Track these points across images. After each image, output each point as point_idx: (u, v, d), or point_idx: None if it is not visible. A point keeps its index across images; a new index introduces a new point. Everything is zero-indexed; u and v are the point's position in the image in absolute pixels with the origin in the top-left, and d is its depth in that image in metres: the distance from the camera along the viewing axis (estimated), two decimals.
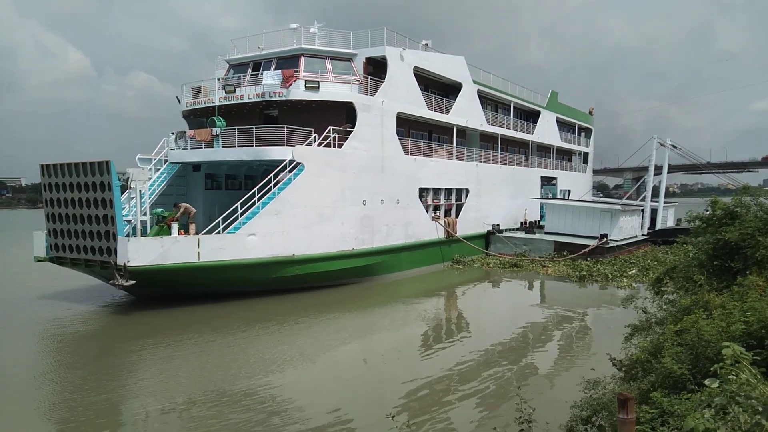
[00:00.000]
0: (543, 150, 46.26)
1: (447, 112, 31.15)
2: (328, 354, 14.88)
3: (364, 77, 25.34)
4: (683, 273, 9.30)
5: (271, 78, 23.92)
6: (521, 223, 38.58)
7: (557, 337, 16.40)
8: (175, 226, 20.15)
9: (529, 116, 43.72)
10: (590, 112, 58.07)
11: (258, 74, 25.28)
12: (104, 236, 19.09)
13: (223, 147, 23.30)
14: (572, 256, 29.82)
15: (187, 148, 24.65)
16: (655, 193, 40.41)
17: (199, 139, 23.88)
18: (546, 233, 34.39)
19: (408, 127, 28.72)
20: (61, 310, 19.35)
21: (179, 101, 27.32)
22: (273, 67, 25.12)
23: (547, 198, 41.41)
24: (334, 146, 23.05)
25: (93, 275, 21.22)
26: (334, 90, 24.25)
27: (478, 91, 34.46)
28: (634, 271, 26.02)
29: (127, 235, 19.06)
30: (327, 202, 22.61)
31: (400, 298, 22.66)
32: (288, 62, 24.92)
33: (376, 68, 26.59)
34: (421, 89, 28.63)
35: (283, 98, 23.46)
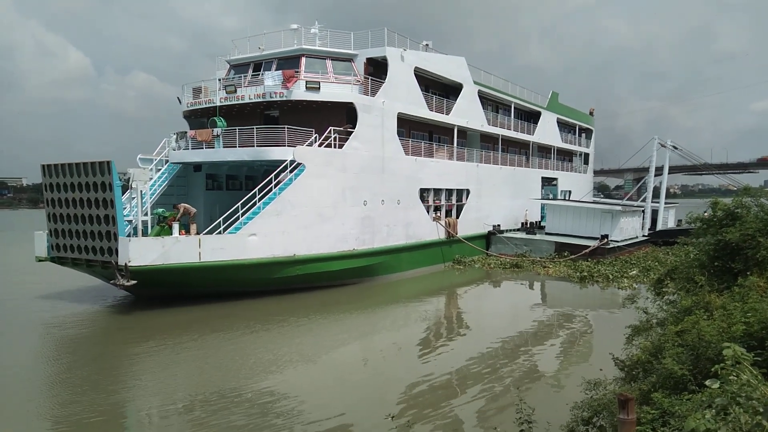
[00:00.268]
0: (543, 151, 46.26)
1: (447, 113, 31.15)
2: (329, 354, 14.89)
3: (365, 78, 25.35)
4: (684, 274, 9.29)
5: (271, 78, 23.93)
6: (522, 223, 38.57)
7: (558, 337, 16.40)
8: (176, 226, 20.18)
9: (530, 117, 43.72)
10: (591, 113, 58.07)
11: (259, 75, 25.29)
12: (105, 236, 19.10)
13: (224, 147, 23.32)
14: (573, 256, 29.81)
15: (188, 149, 24.68)
16: (656, 194, 40.40)
17: (200, 140, 23.90)
18: (547, 234, 34.38)
19: (408, 127, 28.73)
20: (61, 310, 19.36)
21: (180, 101, 27.33)
22: (274, 67, 25.13)
23: (548, 199, 41.41)
24: (334, 147, 23.06)
25: (94, 275, 21.24)
26: (334, 90, 24.26)
27: (479, 92, 34.46)
28: (634, 272, 26.01)
29: (128, 235, 19.08)
30: (328, 203, 22.62)
31: (401, 299, 22.66)
32: (289, 63, 24.94)
33: (377, 69, 26.60)
34: (421, 90, 28.64)
35: (284, 99, 23.47)
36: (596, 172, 71.43)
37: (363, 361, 14.51)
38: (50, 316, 18.49)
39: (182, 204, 21.46)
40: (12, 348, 15.29)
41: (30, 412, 10.40)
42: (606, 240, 31.09)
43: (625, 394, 4.73)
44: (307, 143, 22.55)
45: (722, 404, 3.92)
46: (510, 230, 36.08)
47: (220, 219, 20.67)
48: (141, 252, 18.30)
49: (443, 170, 30.42)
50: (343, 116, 24.23)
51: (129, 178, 20.11)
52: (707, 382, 4.32)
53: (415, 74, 27.96)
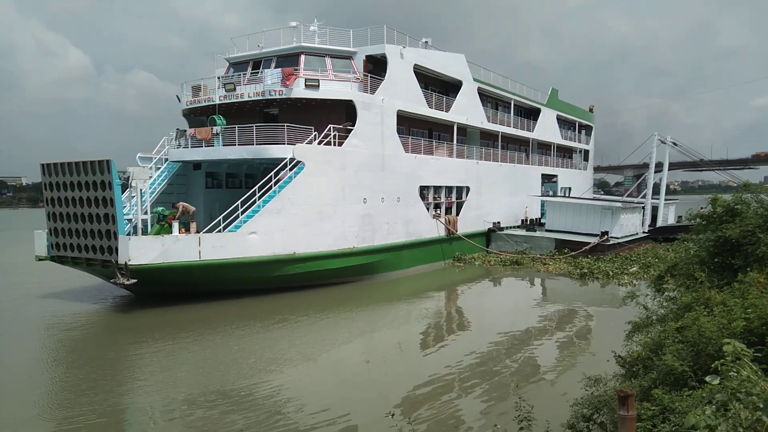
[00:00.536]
0: (543, 147, 46.25)
1: (447, 110, 31.13)
2: (330, 353, 14.89)
3: (364, 75, 25.33)
4: (684, 270, 9.29)
5: (271, 76, 23.91)
6: (522, 220, 38.58)
7: (558, 334, 16.40)
8: (176, 224, 20.18)
9: (530, 114, 43.69)
10: (591, 110, 58.04)
11: (258, 72, 25.27)
12: (105, 235, 19.10)
13: (224, 145, 23.32)
14: (573, 253, 29.81)
15: (187, 147, 24.68)
16: (656, 191, 40.38)
17: (199, 138, 23.89)
18: (547, 231, 34.39)
19: (408, 125, 28.71)
20: (61, 309, 19.37)
21: (179, 100, 27.31)
22: (273, 65, 25.10)
23: (548, 195, 41.41)
24: (334, 144, 23.05)
25: (94, 274, 21.24)
26: (334, 88, 24.22)
27: (479, 89, 34.43)
28: (635, 269, 26.01)
29: (128, 234, 19.07)
30: (327, 201, 22.61)
31: (401, 296, 22.67)
32: (288, 60, 24.91)
33: (376, 66, 26.57)
34: (421, 87, 28.61)
35: (284, 96, 23.44)
36: (596, 169, 71.44)
37: (364, 359, 14.52)
38: (50, 315, 18.50)
39: (181, 203, 21.46)
40: (12, 348, 15.30)
41: (29, 413, 10.38)
42: (606, 237, 31.09)
43: (625, 390, 4.73)
44: (306, 141, 22.54)
45: (722, 400, 3.92)
46: (510, 227, 36.09)
47: (220, 217, 20.67)
48: (141, 250, 18.29)
49: (443, 167, 30.40)
50: (342, 114, 24.20)
51: (129, 176, 20.10)
52: (707, 378, 4.32)
53: (414, 71, 27.92)
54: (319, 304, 20.05)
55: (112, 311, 19.27)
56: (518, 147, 41.66)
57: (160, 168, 24.76)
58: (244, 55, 26.78)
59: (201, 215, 24.31)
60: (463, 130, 33.47)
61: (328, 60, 25.23)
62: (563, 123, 49.43)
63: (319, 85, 23.56)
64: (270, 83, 23.71)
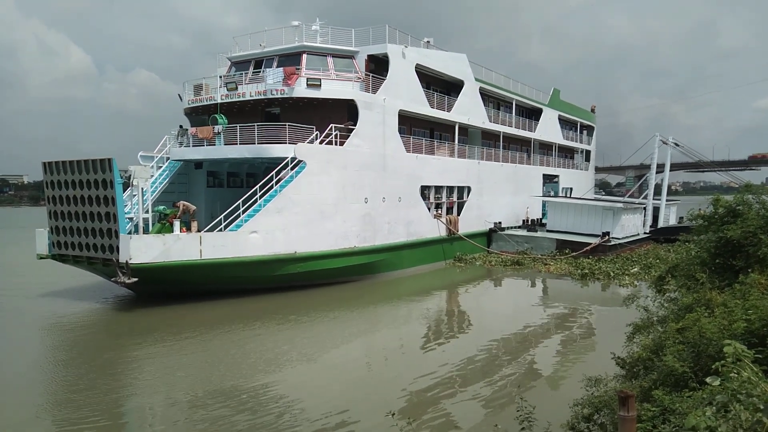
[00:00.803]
0: (545, 148, 46.23)
1: (449, 110, 31.12)
2: (330, 352, 14.89)
3: (366, 75, 25.33)
4: (685, 271, 9.28)
5: (272, 76, 23.92)
6: (523, 221, 38.57)
7: (559, 335, 16.40)
8: (177, 223, 20.19)
9: (531, 114, 43.67)
10: (592, 110, 58.02)
11: (260, 72, 25.28)
12: (106, 234, 19.12)
13: (225, 144, 23.35)
14: (574, 254, 29.80)
15: (189, 146, 24.70)
16: (658, 191, 40.37)
17: (201, 137, 23.93)
18: (548, 231, 34.37)
19: (410, 124, 28.71)
20: (62, 307, 19.39)
21: (181, 99, 27.33)
22: (275, 64, 25.11)
23: (549, 196, 41.39)
24: (335, 144, 23.05)
25: (95, 273, 21.26)
26: (335, 87, 24.23)
27: (480, 89, 34.42)
28: (636, 270, 25.99)
29: (129, 233, 19.09)
30: (329, 200, 22.61)
31: (402, 296, 22.67)
32: (290, 60, 24.91)
33: (378, 66, 26.57)
34: (422, 87, 28.62)
35: (285, 96, 23.45)
36: (598, 169, 71.41)
37: (364, 359, 14.52)
38: (51, 314, 18.52)
39: (181, 201, 21.50)
40: (11, 347, 15.33)
41: (29, 412, 10.37)
42: (607, 237, 31.07)
43: (625, 391, 4.73)
44: (308, 140, 22.55)
45: (723, 401, 3.92)
46: (511, 227, 36.08)
47: (221, 216, 20.68)
48: (142, 249, 18.31)
49: (444, 167, 30.40)
50: (344, 113, 24.20)
51: (130, 175, 20.13)
52: (708, 380, 4.31)
53: (416, 71, 27.92)
54: (319, 304, 20.06)
55: (113, 310, 19.29)
56: (520, 147, 41.65)
57: (161, 167, 24.78)
58: (246, 54, 26.79)
59: (202, 214, 24.33)
60: (464, 130, 33.47)
61: (329, 59, 25.23)
62: (565, 123, 49.41)
63: (320, 85, 23.56)
64: (272, 82, 23.73)
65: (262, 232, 20.49)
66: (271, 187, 21.17)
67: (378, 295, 22.72)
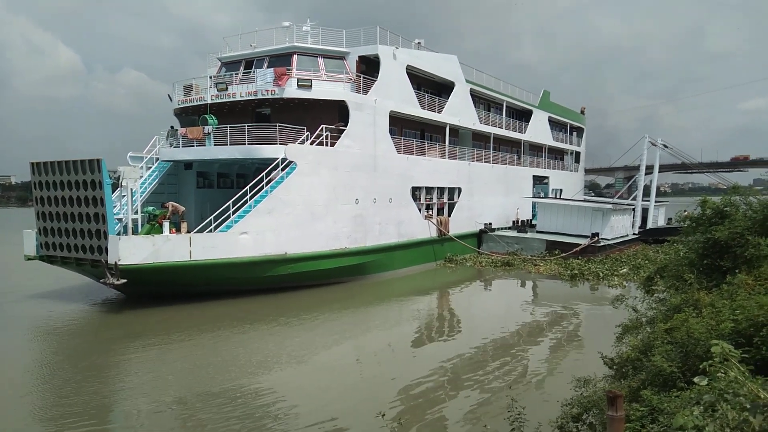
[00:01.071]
0: (535, 149, 46.43)
1: (440, 111, 31.18)
2: (320, 354, 14.85)
3: (357, 76, 25.32)
4: (673, 272, 9.34)
5: (263, 76, 23.85)
6: (513, 222, 38.71)
7: (549, 335, 16.46)
8: (166, 224, 20.08)
9: (522, 115, 43.85)
10: (582, 112, 58.34)
11: (250, 72, 25.20)
12: (95, 235, 18.97)
13: (215, 145, 23.24)
14: (564, 254, 29.94)
15: (178, 146, 24.56)
16: (647, 192, 40.65)
17: (191, 137, 23.80)
18: (538, 232, 34.51)
19: (401, 125, 28.73)
20: (50, 309, 19.21)
21: (171, 99, 27.19)
22: (265, 65, 25.03)
23: (539, 197, 41.56)
24: (326, 145, 23.02)
25: (84, 274, 21.09)
26: (326, 88, 24.20)
27: (471, 90, 34.52)
28: (625, 270, 26.15)
29: (118, 234, 18.95)
30: (319, 201, 22.58)
31: (393, 297, 22.67)
32: (280, 60, 24.85)
33: (369, 67, 26.57)
34: (413, 88, 28.65)
35: (276, 96, 23.39)
36: (587, 171, 71.75)
37: (355, 360, 14.50)
38: (38, 316, 18.34)
39: (170, 202, 21.39)
40: None
41: (13, 416, 10.25)
42: (597, 238, 31.24)
43: (614, 391, 4.75)
44: (298, 141, 22.50)
45: (710, 401, 3.94)
46: (501, 228, 36.20)
47: (211, 217, 20.59)
48: (131, 250, 18.18)
49: (435, 169, 30.45)
50: (335, 114, 24.18)
51: (119, 176, 19.99)
52: (696, 379, 4.34)
53: (407, 72, 27.95)
54: (310, 305, 20.00)
55: (102, 312, 19.13)
56: (510, 148, 41.80)
57: (150, 167, 24.62)
58: (237, 54, 26.70)
59: (192, 215, 24.22)
60: (455, 131, 33.55)
61: (320, 60, 25.20)
62: (555, 125, 49.66)
63: (311, 86, 23.52)
64: (262, 83, 23.66)
65: (253, 233, 20.41)
66: (262, 188, 21.10)
67: (369, 296, 22.70)
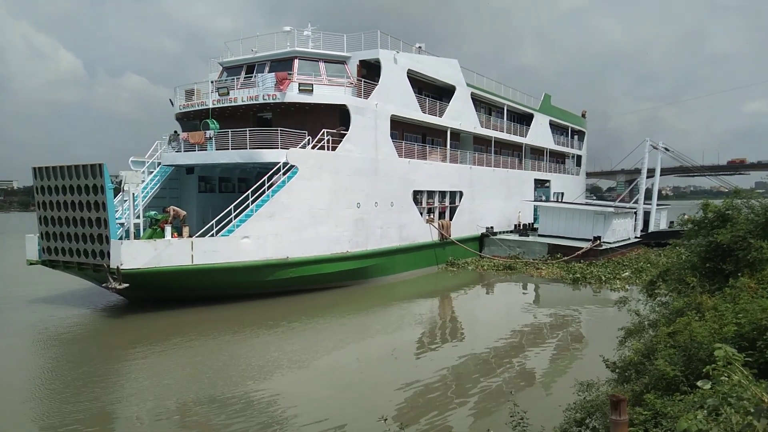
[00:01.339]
0: (536, 153, 46.42)
1: (441, 115, 31.20)
2: (321, 359, 14.82)
3: (358, 80, 25.36)
4: (676, 275, 9.33)
5: (264, 81, 23.91)
6: (515, 225, 38.66)
7: (551, 339, 16.43)
8: (168, 228, 20.09)
9: (523, 119, 43.86)
10: (583, 115, 58.32)
11: (251, 77, 25.25)
12: (97, 239, 18.99)
13: (217, 149, 23.28)
14: (566, 258, 29.91)
15: (180, 151, 24.60)
16: (648, 196, 40.62)
17: (192, 142, 23.84)
18: (539, 236, 34.47)
19: (402, 129, 28.75)
20: (52, 314, 19.22)
21: (172, 104, 27.26)
22: (267, 69, 25.10)
23: (541, 200, 41.55)
24: (327, 149, 23.04)
25: (86, 278, 21.09)
26: (327, 93, 24.24)
27: (472, 94, 34.54)
28: (627, 274, 26.11)
29: (120, 238, 18.98)
30: (321, 205, 22.59)
31: (395, 301, 22.65)
32: (282, 65, 24.90)
33: (370, 71, 26.62)
34: (414, 92, 28.69)
35: (277, 101, 23.44)
36: (589, 174, 71.69)
37: (356, 364, 14.47)
38: (41, 320, 18.35)
39: (171, 207, 21.41)
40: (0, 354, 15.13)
41: (13, 421, 10.22)
42: (598, 242, 31.20)
43: (617, 395, 4.74)
44: (300, 145, 22.53)
45: (714, 405, 3.93)
46: (503, 232, 36.16)
47: (213, 221, 20.61)
48: (133, 255, 18.20)
49: (436, 172, 30.46)
50: (336, 118, 24.22)
51: (121, 180, 20.02)
52: (699, 383, 4.33)
53: (408, 76, 27.99)
54: (311, 309, 19.99)
55: (104, 316, 19.13)
56: (511, 152, 41.81)
57: (152, 172, 24.66)
58: (238, 59, 26.77)
59: (194, 219, 24.24)
60: (456, 135, 33.57)
61: (321, 65, 25.25)
62: (556, 128, 49.67)
63: (312, 90, 23.57)
64: (263, 87, 23.71)
65: (254, 238, 20.42)
66: (263, 192, 21.12)
67: (370, 301, 22.68)
